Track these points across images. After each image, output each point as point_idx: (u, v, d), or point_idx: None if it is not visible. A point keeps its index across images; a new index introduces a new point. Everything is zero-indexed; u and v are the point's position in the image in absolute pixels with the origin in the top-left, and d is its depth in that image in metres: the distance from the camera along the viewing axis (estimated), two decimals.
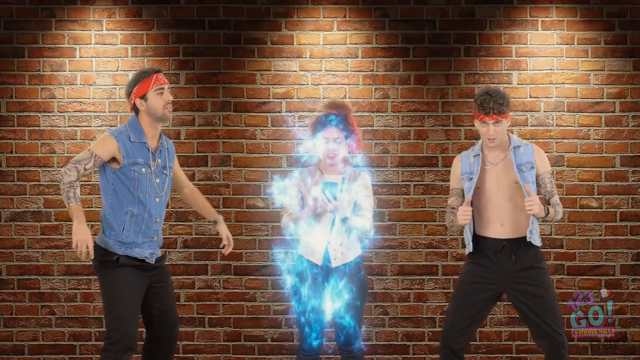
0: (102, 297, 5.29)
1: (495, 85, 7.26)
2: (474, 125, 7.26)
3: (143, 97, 5.25)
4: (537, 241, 5.42)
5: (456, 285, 5.57)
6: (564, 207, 7.26)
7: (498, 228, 5.42)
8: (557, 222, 5.85)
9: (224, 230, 5.63)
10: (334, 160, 5.43)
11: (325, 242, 5.44)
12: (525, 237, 5.40)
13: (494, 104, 5.32)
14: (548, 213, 5.38)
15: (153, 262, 5.30)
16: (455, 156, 5.71)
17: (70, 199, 5.07)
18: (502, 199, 5.42)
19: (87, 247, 4.96)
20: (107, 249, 5.24)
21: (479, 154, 5.48)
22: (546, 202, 5.48)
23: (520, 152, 5.45)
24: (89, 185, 7.22)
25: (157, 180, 5.31)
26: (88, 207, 7.22)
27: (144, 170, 5.24)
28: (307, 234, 5.45)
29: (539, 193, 5.50)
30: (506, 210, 5.42)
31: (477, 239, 5.46)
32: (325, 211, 5.34)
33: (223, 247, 5.63)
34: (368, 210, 5.51)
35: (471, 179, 5.45)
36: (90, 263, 7.22)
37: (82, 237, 4.96)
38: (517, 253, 5.38)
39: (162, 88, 5.24)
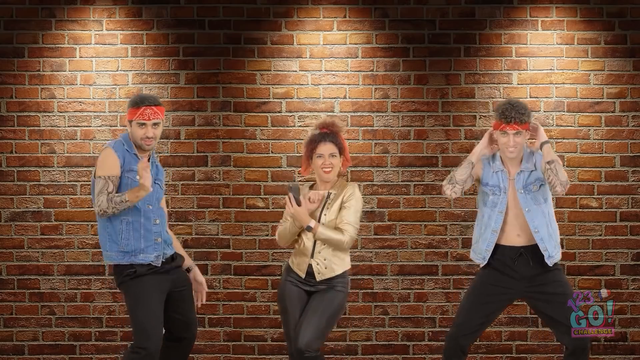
0: (127, 309, 5.36)
1: (495, 85, 7.26)
2: (474, 125, 7.27)
3: (130, 122, 5.36)
4: (556, 257, 5.47)
5: (472, 285, 5.57)
6: (564, 207, 7.26)
7: (515, 238, 5.43)
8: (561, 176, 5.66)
9: (199, 277, 5.60)
10: (329, 174, 5.43)
11: (309, 255, 5.42)
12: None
13: (516, 113, 5.32)
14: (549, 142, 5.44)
15: (159, 265, 5.31)
16: (457, 156, 5.70)
17: (122, 200, 5.17)
18: (518, 214, 5.43)
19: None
20: (119, 264, 5.29)
21: (502, 170, 5.47)
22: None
23: (530, 174, 5.45)
24: (89, 185, 7.22)
25: (151, 189, 5.35)
26: (88, 207, 7.22)
27: (138, 177, 5.29)
28: (295, 248, 5.47)
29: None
30: (523, 224, 5.43)
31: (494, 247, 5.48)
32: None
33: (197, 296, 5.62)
34: (348, 224, 5.38)
35: (497, 194, 5.44)
36: (90, 262, 7.24)
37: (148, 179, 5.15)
38: (534, 259, 5.41)
39: (144, 123, 5.31)
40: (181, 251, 5.56)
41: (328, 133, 5.46)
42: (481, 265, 5.52)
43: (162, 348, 5.45)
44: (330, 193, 5.45)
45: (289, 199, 5.33)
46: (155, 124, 5.33)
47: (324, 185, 5.48)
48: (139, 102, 5.33)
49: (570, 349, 5.46)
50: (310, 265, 5.40)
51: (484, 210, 5.49)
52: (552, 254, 5.44)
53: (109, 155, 5.27)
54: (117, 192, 5.23)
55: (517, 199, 5.43)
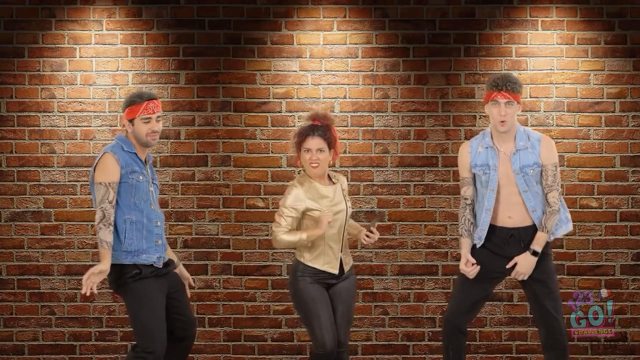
0: (129, 312, 5.31)
1: None
2: (474, 125, 7.27)
3: (131, 121, 5.31)
4: (558, 232, 5.50)
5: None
6: None
7: (506, 220, 5.44)
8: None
9: (185, 273, 5.61)
10: (316, 169, 5.43)
11: (340, 251, 5.49)
12: (532, 225, 5.44)
13: (508, 82, 5.33)
14: (548, 237, 5.42)
15: (161, 266, 5.31)
16: (457, 156, 5.68)
17: (104, 241, 5.15)
18: (511, 192, 5.42)
19: (93, 288, 5.12)
20: (122, 265, 5.26)
21: (491, 146, 5.46)
22: (544, 198, 5.47)
23: (527, 152, 5.43)
24: (88, 184, 7.21)
25: (151, 189, 5.36)
26: (88, 207, 7.23)
27: (141, 178, 5.29)
28: (319, 248, 5.46)
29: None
30: (515, 204, 5.43)
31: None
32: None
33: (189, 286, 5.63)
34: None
35: (487, 173, 5.43)
36: (90, 262, 7.24)
37: (97, 278, 5.12)
38: (526, 241, 5.42)
39: (149, 118, 5.30)
40: (167, 249, 5.56)
41: (318, 126, 5.45)
42: (477, 246, 5.52)
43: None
44: (344, 190, 5.58)
45: (372, 229, 5.49)
46: (158, 117, 5.34)
47: (318, 179, 5.50)
48: (138, 99, 5.31)
49: (543, 339, 5.47)
50: (340, 260, 5.50)
51: (480, 191, 5.49)
52: (552, 230, 5.47)
53: (109, 160, 5.23)
54: (116, 197, 5.23)
55: (511, 178, 5.41)
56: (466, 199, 5.49)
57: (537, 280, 5.44)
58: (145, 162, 5.40)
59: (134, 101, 5.30)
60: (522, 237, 5.43)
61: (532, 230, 5.44)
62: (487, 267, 5.47)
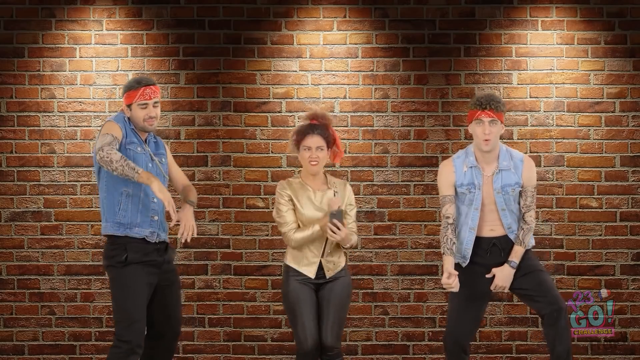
0: (112, 296, 5.34)
1: (495, 85, 7.26)
2: None
3: (129, 106, 5.37)
4: (530, 244, 5.53)
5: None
6: (564, 207, 7.26)
7: (488, 232, 5.47)
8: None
9: (187, 212, 5.44)
10: (316, 167, 5.43)
11: (319, 256, 5.46)
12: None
13: (492, 101, 5.36)
14: (524, 248, 5.47)
15: (153, 241, 5.31)
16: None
17: (135, 168, 5.07)
18: (492, 210, 5.45)
19: (173, 206, 5.12)
20: (113, 240, 5.28)
21: (476, 166, 5.48)
22: (521, 217, 5.50)
23: (509, 172, 5.45)
24: (88, 185, 7.23)
25: (150, 165, 5.37)
26: (88, 207, 7.23)
27: (139, 149, 5.33)
28: (301, 251, 5.46)
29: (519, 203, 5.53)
30: (496, 219, 5.46)
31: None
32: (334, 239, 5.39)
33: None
34: (354, 222, 5.58)
35: (472, 191, 5.45)
36: (90, 262, 7.25)
37: (169, 196, 5.10)
38: (506, 250, 5.45)
39: (146, 103, 5.34)
40: (192, 192, 5.57)
41: (317, 125, 5.46)
42: (462, 265, 5.51)
43: (145, 349, 5.44)
44: (336, 193, 5.50)
45: (335, 226, 5.33)
46: (155, 102, 5.37)
47: (313, 179, 5.49)
48: (136, 84, 5.36)
49: (546, 314, 5.42)
50: (320, 266, 5.45)
51: (461, 209, 5.50)
52: (527, 243, 5.52)
53: (113, 124, 5.28)
54: None
55: (492, 196, 5.44)
56: (448, 217, 5.48)
57: (527, 266, 5.46)
58: (146, 141, 5.43)
59: (132, 87, 5.35)
60: (502, 246, 5.46)
61: (510, 238, 5.49)
62: (475, 285, 5.47)
